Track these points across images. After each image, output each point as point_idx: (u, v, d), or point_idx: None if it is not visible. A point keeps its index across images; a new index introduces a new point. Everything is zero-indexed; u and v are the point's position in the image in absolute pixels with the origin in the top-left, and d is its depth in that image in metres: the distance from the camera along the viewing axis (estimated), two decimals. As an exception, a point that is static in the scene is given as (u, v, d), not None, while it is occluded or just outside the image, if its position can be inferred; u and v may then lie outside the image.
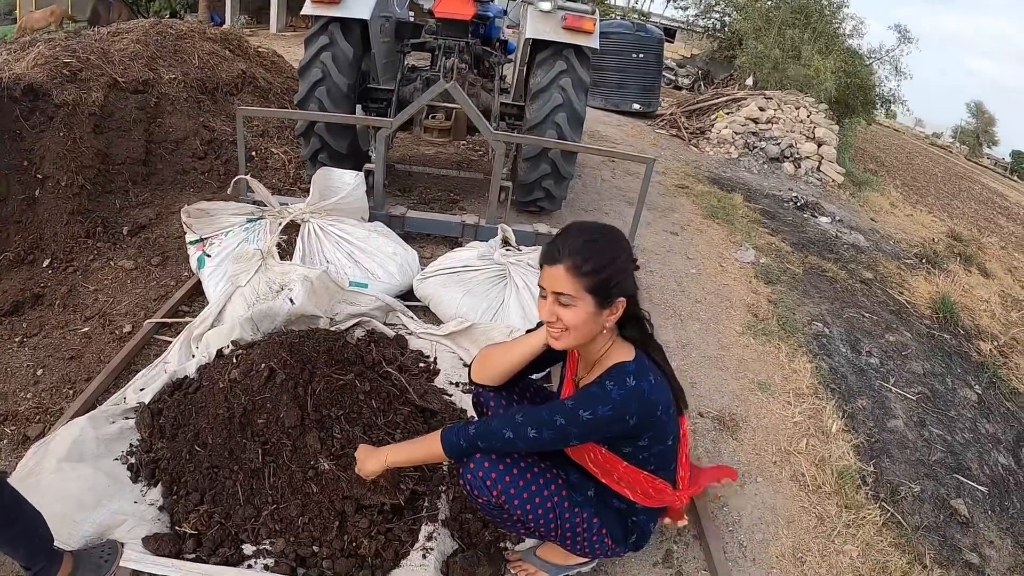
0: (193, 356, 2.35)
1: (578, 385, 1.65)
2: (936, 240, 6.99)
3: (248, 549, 1.72)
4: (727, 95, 9.79)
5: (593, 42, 3.91)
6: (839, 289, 4.52)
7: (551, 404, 1.50)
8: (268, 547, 1.73)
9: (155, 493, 1.84)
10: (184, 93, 4.26)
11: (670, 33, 18.00)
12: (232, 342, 2.29)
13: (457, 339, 2.77)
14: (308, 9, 3.75)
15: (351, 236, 3.19)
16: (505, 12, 5.04)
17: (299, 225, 3.20)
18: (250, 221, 3.16)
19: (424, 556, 1.73)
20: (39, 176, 3.18)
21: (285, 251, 3.12)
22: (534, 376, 2.01)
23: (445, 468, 2.00)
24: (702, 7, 13.79)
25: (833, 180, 8.20)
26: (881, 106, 13.02)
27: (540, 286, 1.49)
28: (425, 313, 3.09)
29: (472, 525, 1.87)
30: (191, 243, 3.05)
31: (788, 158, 8.26)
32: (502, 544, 1.88)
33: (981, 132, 37.22)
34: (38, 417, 2.21)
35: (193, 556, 1.68)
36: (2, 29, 12.54)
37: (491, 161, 3.66)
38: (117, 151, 3.57)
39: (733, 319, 3.65)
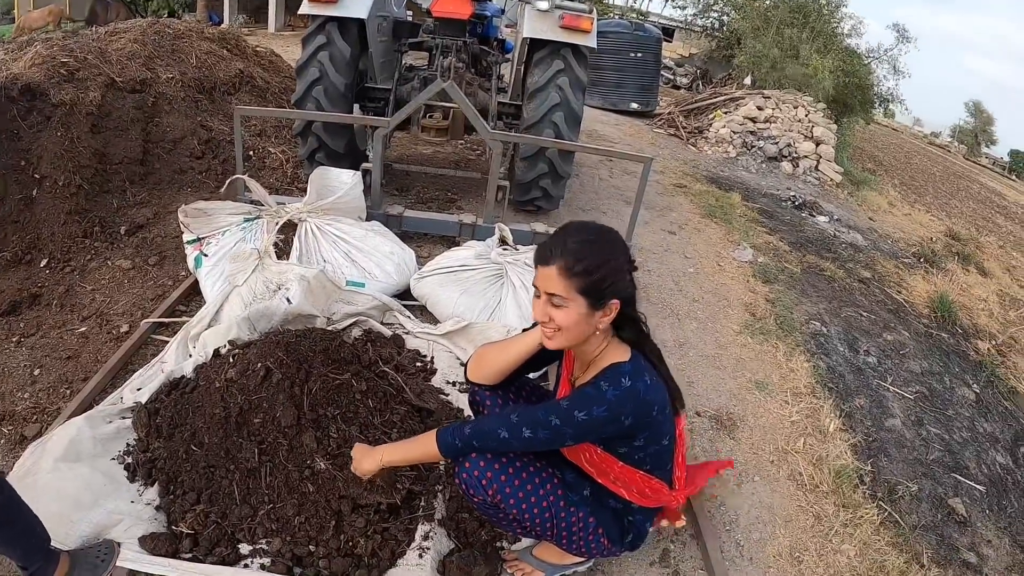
0: (190, 356, 2.35)
1: (574, 385, 1.65)
2: (934, 239, 6.99)
3: (244, 548, 1.72)
4: (725, 94, 9.79)
5: (590, 41, 3.91)
6: (837, 288, 4.52)
7: (546, 404, 1.50)
8: (264, 546, 1.73)
9: (152, 493, 1.84)
10: (182, 93, 4.26)
11: (668, 32, 17.98)
12: (229, 342, 2.29)
13: (454, 338, 2.77)
14: (305, 8, 3.75)
15: (348, 235, 3.19)
16: (503, 11, 5.05)
17: (296, 224, 3.20)
18: (247, 221, 3.16)
19: (420, 555, 1.73)
20: (36, 176, 3.18)
21: (282, 250, 3.12)
22: (531, 375, 2.01)
23: (442, 468, 2.00)
24: (700, 6, 13.76)
25: (831, 179, 8.20)
26: (879, 105, 13.02)
27: (534, 285, 1.49)
28: (422, 312, 3.09)
29: (468, 524, 1.88)
30: (188, 243, 3.05)
31: (786, 157, 8.26)
32: (498, 544, 1.88)
33: (979, 131, 37.23)
34: (35, 417, 2.21)
35: (190, 556, 1.69)
36: (0, 29, 12.52)
37: (488, 160, 3.66)
38: (114, 151, 3.57)
39: (731, 318, 3.65)
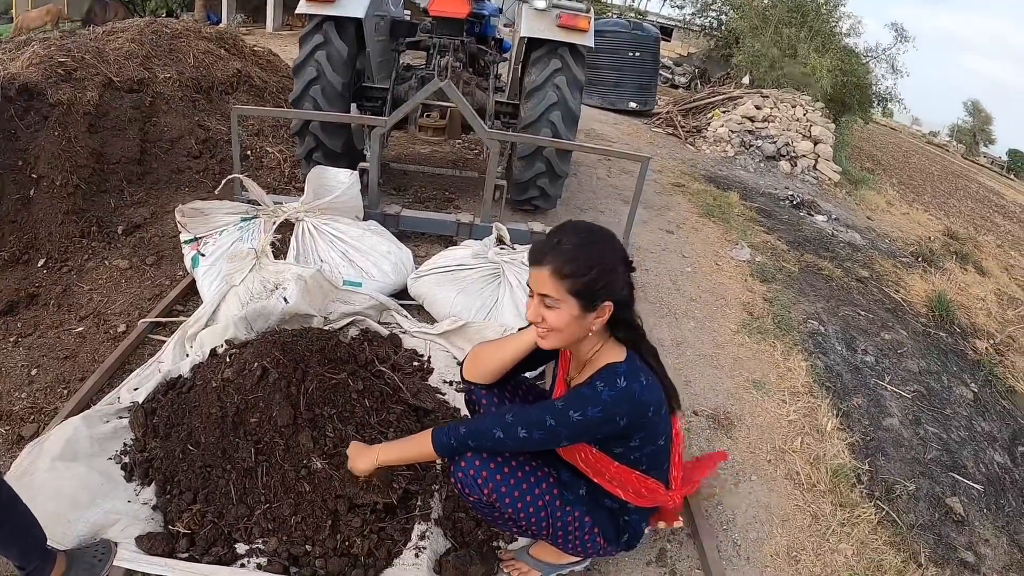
0: (187, 355, 2.35)
1: (570, 385, 1.65)
2: (932, 238, 6.99)
3: (241, 548, 1.73)
4: (723, 93, 9.79)
5: (588, 40, 3.91)
6: (835, 287, 4.52)
7: (541, 404, 1.50)
8: (261, 546, 1.73)
9: (149, 492, 1.83)
10: (179, 92, 4.26)
11: (666, 31, 17.96)
12: (226, 341, 2.29)
13: (451, 338, 2.77)
14: (303, 8, 3.74)
15: (345, 235, 3.19)
16: (500, 10, 5.04)
17: (293, 224, 3.19)
18: (244, 220, 3.15)
19: (417, 555, 1.73)
20: (34, 176, 3.18)
21: (279, 250, 3.12)
22: (527, 374, 2.01)
23: (438, 467, 2.00)
24: (699, 6, 13.80)
25: (829, 178, 8.21)
26: (878, 104, 13.03)
27: (528, 285, 1.49)
28: (419, 312, 3.09)
29: (465, 524, 1.88)
30: (186, 242, 3.04)
31: (784, 156, 8.27)
32: (495, 543, 1.88)
33: (978, 131, 37.27)
34: (32, 417, 2.22)
35: (186, 555, 1.69)
36: (-2, 28, 12.51)
37: (486, 160, 3.66)
38: (112, 150, 3.57)
39: (728, 317, 3.65)
